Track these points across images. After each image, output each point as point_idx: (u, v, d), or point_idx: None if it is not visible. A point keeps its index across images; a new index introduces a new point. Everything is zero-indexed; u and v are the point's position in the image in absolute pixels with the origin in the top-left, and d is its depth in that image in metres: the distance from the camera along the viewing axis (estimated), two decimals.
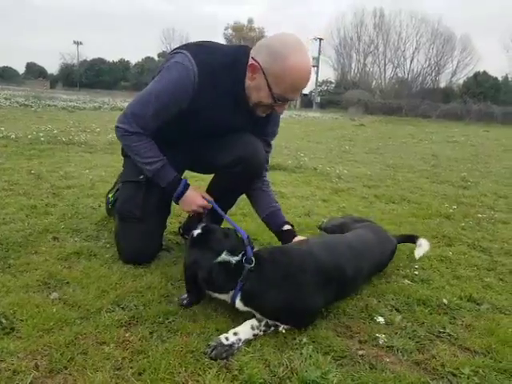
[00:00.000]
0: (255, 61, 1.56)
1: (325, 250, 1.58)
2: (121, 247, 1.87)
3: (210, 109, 1.66)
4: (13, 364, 1.12)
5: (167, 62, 1.67)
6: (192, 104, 1.64)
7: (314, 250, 1.55)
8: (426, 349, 1.36)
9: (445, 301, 1.65)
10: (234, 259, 1.37)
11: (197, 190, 1.78)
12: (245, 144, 1.79)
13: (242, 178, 1.84)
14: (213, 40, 1.79)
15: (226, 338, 1.26)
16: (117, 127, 1.71)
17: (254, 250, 1.43)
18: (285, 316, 1.37)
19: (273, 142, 2.00)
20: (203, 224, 1.50)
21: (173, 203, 1.86)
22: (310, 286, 1.41)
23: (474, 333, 1.47)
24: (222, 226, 1.69)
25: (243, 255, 1.38)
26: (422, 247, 2.04)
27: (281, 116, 1.97)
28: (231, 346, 1.25)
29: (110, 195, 2.41)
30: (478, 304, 1.69)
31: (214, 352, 1.21)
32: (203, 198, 1.76)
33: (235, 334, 1.29)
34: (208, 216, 1.77)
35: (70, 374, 1.11)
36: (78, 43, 62.69)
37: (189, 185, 1.75)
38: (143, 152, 1.69)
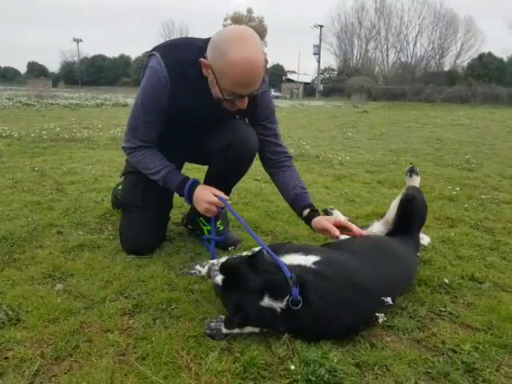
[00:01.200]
0: (205, 57, 1.54)
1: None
2: (123, 237, 1.90)
3: (190, 106, 1.67)
4: (20, 353, 1.14)
5: (145, 67, 1.70)
6: (173, 104, 1.67)
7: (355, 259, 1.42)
8: (426, 327, 1.37)
9: (446, 280, 1.65)
10: (278, 306, 1.22)
11: (207, 188, 1.75)
12: (235, 130, 1.80)
13: (233, 162, 1.84)
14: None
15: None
16: (123, 148, 1.84)
17: (293, 277, 1.24)
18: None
19: (271, 125, 1.92)
20: (221, 263, 1.38)
21: (175, 195, 1.89)
22: (358, 306, 1.30)
23: (476, 310, 1.48)
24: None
25: (288, 298, 1.22)
26: (424, 240, 2.05)
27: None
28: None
29: (119, 187, 2.44)
30: (479, 283, 1.70)
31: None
32: (215, 195, 1.72)
33: None
34: (223, 217, 1.75)
35: (76, 361, 1.13)
36: (77, 40, 62.77)
37: (197, 184, 1.75)
38: (148, 164, 1.77)
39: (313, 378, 1.09)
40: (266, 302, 1.22)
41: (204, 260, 1.74)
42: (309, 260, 1.37)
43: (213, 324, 1.28)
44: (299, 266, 1.33)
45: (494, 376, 1.14)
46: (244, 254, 1.60)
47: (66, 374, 1.08)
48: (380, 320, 1.26)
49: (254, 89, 1.53)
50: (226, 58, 1.44)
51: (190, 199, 1.74)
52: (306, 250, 1.45)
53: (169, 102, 1.66)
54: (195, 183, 1.74)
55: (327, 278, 1.30)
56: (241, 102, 1.58)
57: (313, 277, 1.29)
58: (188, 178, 1.75)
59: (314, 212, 1.77)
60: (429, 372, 1.15)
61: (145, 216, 1.86)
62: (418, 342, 1.30)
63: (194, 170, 3.08)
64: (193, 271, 1.68)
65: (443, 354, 1.23)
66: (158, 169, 1.75)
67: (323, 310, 1.25)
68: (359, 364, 1.18)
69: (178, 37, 2.04)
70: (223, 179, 1.95)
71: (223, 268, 1.34)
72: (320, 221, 1.70)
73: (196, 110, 1.70)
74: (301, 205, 1.81)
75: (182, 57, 1.61)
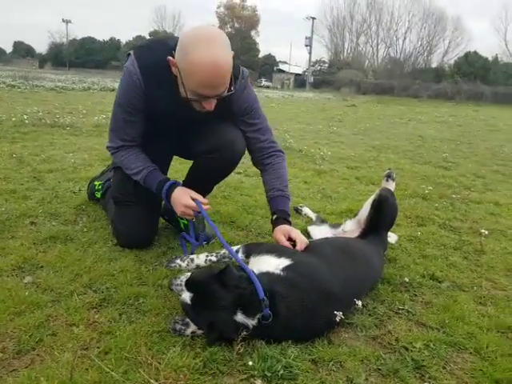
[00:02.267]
0: (173, 56, 1.54)
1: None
2: (118, 231, 1.92)
3: (164, 106, 1.67)
4: None
5: (124, 65, 1.71)
6: (148, 104, 1.68)
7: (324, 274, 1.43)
8: (383, 325, 1.44)
9: (406, 279, 1.72)
10: (251, 323, 1.25)
11: (185, 191, 1.74)
12: (221, 133, 1.81)
13: (217, 164, 1.86)
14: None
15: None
16: (107, 147, 1.86)
17: (262, 288, 1.26)
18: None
19: (253, 120, 1.87)
20: (186, 279, 1.34)
21: None
22: (327, 312, 1.34)
23: (432, 309, 1.55)
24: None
25: (260, 315, 1.24)
26: (392, 238, 2.12)
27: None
28: None
29: (96, 182, 2.45)
30: (439, 282, 1.77)
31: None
32: (193, 198, 1.70)
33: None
34: (199, 221, 1.74)
35: (38, 355, 1.16)
36: (67, 21, 61.21)
37: (176, 185, 1.75)
38: (129, 164, 1.79)
39: (268, 374, 1.14)
40: (239, 318, 1.23)
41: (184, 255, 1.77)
42: (279, 265, 1.40)
43: (178, 326, 1.30)
44: (269, 274, 1.36)
45: (440, 373, 1.21)
46: (211, 257, 1.66)
47: (26, 368, 1.11)
48: (337, 318, 1.31)
49: (220, 91, 1.51)
50: (188, 59, 1.44)
51: (168, 201, 1.75)
52: (279, 252, 1.49)
53: (144, 103, 1.67)
54: (174, 185, 1.75)
55: (296, 286, 1.33)
56: (207, 103, 1.56)
57: (282, 287, 1.32)
58: (167, 180, 1.77)
59: (278, 220, 1.73)
60: (379, 369, 1.21)
61: (139, 209, 1.88)
62: (373, 339, 1.36)
63: (177, 162, 3.08)
64: (173, 264, 1.71)
65: (395, 352, 1.30)
66: (138, 169, 1.77)
67: (292, 320, 1.29)
68: (315, 360, 1.23)
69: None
70: (206, 178, 1.97)
71: (191, 285, 1.30)
72: (276, 231, 1.68)
73: (170, 111, 1.70)
74: (272, 209, 1.80)
75: (156, 57, 1.61)
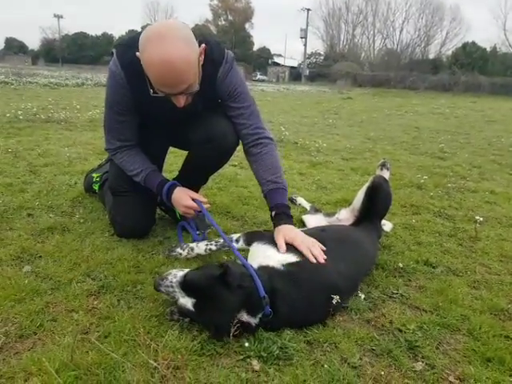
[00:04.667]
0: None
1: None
2: (116, 221, 1.93)
3: (152, 102, 1.58)
4: None
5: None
6: (138, 102, 1.66)
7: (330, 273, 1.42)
8: (377, 308, 1.46)
9: (401, 264, 1.75)
10: (253, 322, 1.25)
11: (185, 191, 1.75)
12: (215, 124, 1.80)
13: (211, 155, 1.87)
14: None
15: None
16: (105, 150, 1.88)
17: (262, 286, 1.25)
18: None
19: (237, 104, 1.77)
20: (180, 281, 1.27)
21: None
22: (327, 305, 1.34)
23: (425, 293, 1.58)
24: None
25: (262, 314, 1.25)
26: (386, 226, 2.14)
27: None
28: None
29: (94, 174, 2.46)
30: (433, 267, 1.80)
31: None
32: (193, 199, 1.72)
33: None
34: (201, 220, 1.76)
35: (39, 339, 1.18)
36: (58, 17, 60.64)
37: (175, 186, 1.76)
38: (128, 166, 1.82)
39: (264, 354, 1.17)
40: (244, 317, 1.23)
41: (185, 243, 1.79)
42: (280, 260, 1.41)
43: (175, 317, 1.31)
44: (270, 269, 1.36)
45: (433, 353, 1.24)
46: (211, 246, 1.70)
47: (28, 351, 1.13)
48: (334, 301, 1.33)
49: (180, 88, 1.44)
50: (143, 57, 1.40)
51: (169, 202, 1.78)
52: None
53: (132, 101, 1.67)
54: (172, 186, 1.77)
55: (298, 282, 1.33)
56: (175, 99, 1.51)
57: (283, 283, 1.31)
58: (165, 182, 1.79)
59: (277, 217, 1.65)
60: (373, 349, 1.24)
61: (135, 199, 1.90)
62: (367, 321, 1.39)
63: (171, 155, 3.10)
64: (174, 253, 1.74)
65: (389, 333, 1.33)
66: (137, 171, 1.80)
67: (292, 316, 1.30)
68: (310, 341, 1.26)
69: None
70: (200, 169, 1.99)
71: (192, 290, 1.24)
72: (277, 233, 1.58)
73: (156, 106, 1.63)
74: (269, 205, 1.73)
75: (135, 54, 1.53)
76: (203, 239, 1.82)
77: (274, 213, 1.68)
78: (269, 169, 1.75)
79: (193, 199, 1.73)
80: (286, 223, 1.61)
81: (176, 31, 1.39)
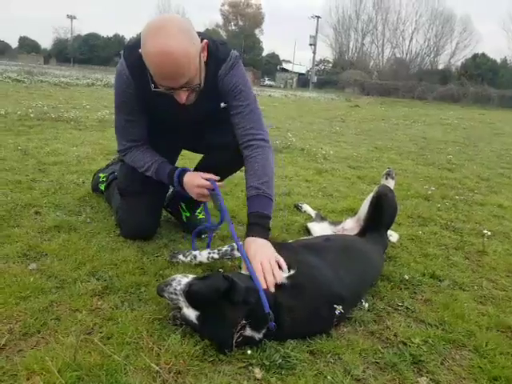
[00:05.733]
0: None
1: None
2: (123, 222, 1.94)
3: (156, 99, 1.58)
4: None
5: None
6: (140, 98, 1.66)
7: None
8: (382, 320, 1.45)
9: (406, 277, 1.73)
10: (257, 336, 1.23)
11: (196, 173, 1.75)
12: (231, 131, 1.75)
13: (227, 159, 1.84)
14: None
15: None
16: (118, 151, 1.89)
17: (267, 298, 1.24)
18: None
19: (235, 102, 1.69)
20: (185, 292, 1.25)
21: None
22: (331, 317, 1.33)
23: (431, 307, 1.56)
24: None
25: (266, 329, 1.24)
26: (393, 237, 2.13)
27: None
28: None
29: (101, 174, 2.48)
30: (439, 280, 1.78)
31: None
32: (204, 178, 1.70)
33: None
34: (214, 198, 1.68)
35: (43, 337, 1.18)
36: (71, 17, 61.37)
37: (185, 171, 1.76)
38: (139, 163, 1.81)
39: (267, 363, 1.16)
40: (248, 332, 1.22)
41: (187, 250, 1.79)
42: (284, 273, 1.38)
43: (178, 322, 1.29)
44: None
45: (438, 368, 1.23)
46: (213, 254, 1.69)
47: (32, 349, 1.13)
48: (337, 312, 1.32)
49: (181, 81, 1.45)
50: (143, 50, 1.41)
51: (181, 187, 1.75)
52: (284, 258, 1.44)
53: (139, 100, 1.67)
54: (184, 171, 1.76)
55: (301, 294, 1.32)
56: (177, 95, 1.51)
57: (287, 297, 1.29)
58: (176, 168, 1.78)
59: (250, 227, 1.53)
60: (377, 362, 1.23)
61: (145, 201, 1.90)
62: (372, 333, 1.37)
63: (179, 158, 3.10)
64: (175, 260, 1.73)
65: (393, 346, 1.31)
66: (148, 165, 1.79)
67: (295, 329, 1.29)
68: (313, 351, 1.25)
69: None
70: (214, 172, 1.97)
71: (196, 302, 1.23)
72: (246, 245, 1.49)
73: (160, 104, 1.64)
74: (247, 212, 1.60)
75: (139, 52, 1.54)
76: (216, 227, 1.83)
77: (248, 221, 1.56)
78: (255, 174, 1.64)
79: (204, 179, 1.69)
80: (254, 235, 1.49)
81: (175, 24, 1.39)
